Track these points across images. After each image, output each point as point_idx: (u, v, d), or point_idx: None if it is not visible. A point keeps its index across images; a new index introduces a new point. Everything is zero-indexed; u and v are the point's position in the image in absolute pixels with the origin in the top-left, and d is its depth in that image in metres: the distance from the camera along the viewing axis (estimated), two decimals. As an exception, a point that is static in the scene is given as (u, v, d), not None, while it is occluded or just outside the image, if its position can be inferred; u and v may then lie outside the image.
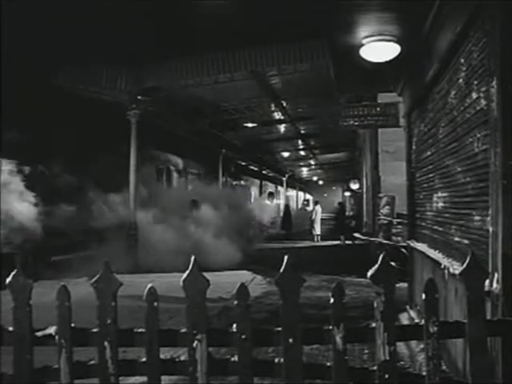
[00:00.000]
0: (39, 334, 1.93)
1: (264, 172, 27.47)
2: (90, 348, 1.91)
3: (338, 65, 6.52)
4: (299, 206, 38.26)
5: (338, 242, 17.82)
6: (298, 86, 11.26)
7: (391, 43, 5.20)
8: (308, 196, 49.90)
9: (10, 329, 1.94)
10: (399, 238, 11.71)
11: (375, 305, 1.82)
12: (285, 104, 13.77)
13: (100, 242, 9.81)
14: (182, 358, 1.94)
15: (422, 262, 5.25)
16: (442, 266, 3.86)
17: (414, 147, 5.96)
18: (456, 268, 3.38)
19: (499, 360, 2.47)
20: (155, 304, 1.87)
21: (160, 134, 13.09)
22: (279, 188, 33.81)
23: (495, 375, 2.44)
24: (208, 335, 1.86)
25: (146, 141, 11.27)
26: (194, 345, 1.85)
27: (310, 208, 25.68)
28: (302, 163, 30.78)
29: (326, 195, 52.09)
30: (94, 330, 1.90)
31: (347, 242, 16.97)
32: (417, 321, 4.66)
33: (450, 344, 3.63)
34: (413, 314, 5.62)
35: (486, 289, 2.41)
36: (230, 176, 21.52)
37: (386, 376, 1.80)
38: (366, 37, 5.15)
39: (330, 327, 1.82)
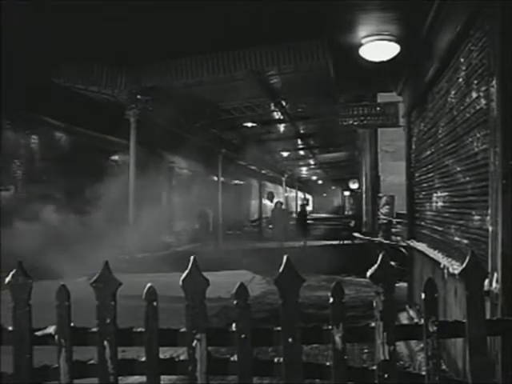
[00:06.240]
0: (39, 333, 1.93)
1: (263, 172, 27.43)
2: (90, 347, 1.90)
3: (337, 64, 6.51)
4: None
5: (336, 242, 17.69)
6: (298, 85, 11.26)
7: (391, 43, 5.19)
8: (308, 195, 49.90)
9: (10, 328, 1.94)
10: (399, 238, 11.76)
11: (375, 304, 1.81)
12: (284, 103, 13.77)
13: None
14: (182, 358, 1.94)
15: (421, 261, 5.25)
16: (442, 266, 3.85)
17: (413, 147, 5.96)
18: (455, 268, 3.38)
19: (499, 360, 2.48)
20: (154, 303, 1.87)
21: (159, 134, 13.06)
22: (278, 187, 33.77)
23: (495, 375, 2.44)
24: (207, 335, 1.85)
25: (145, 140, 11.28)
26: (194, 344, 1.84)
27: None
28: (301, 163, 30.75)
29: (325, 195, 52.16)
30: (94, 330, 1.90)
31: (346, 241, 16.91)
32: (416, 320, 4.66)
33: (450, 344, 3.63)
34: (412, 313, 5.62)
35: (486, 288, 2.41)
36: (230, 175, 21.48)
37: (386, 375, 1.79)
38: (366, 36, 5.14)
39: (330, 327, 1.82)
